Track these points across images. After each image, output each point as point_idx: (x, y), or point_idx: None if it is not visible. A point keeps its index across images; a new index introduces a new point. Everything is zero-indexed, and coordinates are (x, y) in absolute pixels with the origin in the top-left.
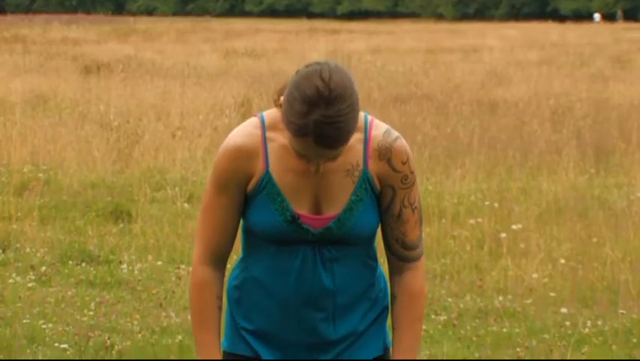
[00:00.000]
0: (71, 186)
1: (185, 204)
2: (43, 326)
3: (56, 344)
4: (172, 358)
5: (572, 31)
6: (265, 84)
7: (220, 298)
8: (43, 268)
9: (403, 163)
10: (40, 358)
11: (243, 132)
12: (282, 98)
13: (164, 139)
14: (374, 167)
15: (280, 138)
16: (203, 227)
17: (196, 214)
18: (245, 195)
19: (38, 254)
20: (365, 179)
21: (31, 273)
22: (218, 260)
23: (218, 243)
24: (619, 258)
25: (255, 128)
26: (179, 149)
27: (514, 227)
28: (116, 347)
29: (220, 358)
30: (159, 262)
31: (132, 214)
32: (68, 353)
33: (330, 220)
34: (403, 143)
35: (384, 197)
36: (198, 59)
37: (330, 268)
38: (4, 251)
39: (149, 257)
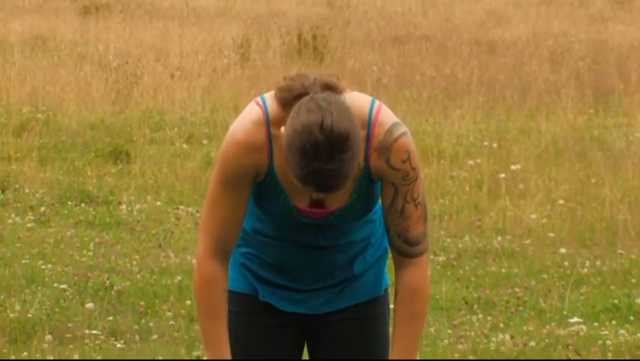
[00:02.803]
0: (70, 126)
1: (184, 145)
2: (43, 267)
3: (55, 285)
4: (171, 298)
5: None
6: (264, 25)
7: (226, 291)
8: (43, 209)
9: (403, 162)
10: (39, 298)
11: (249, 129)
12: (284, 120)
13: (163, 80)
14: (374, 164)
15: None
16: (209, 221)
17: (195, 155)
18: (252, 185)
19: (37, 195)
20: (365, 176)
21: (30, 213)
22: (224, 253)
23: (225, 237)
24: (618, 198)
25: (259, 125)
26: (178, 89)
27: (512, 168)
28: (115, 287)
29: (228, 349)
30: (158, 203)
31: (131, 155)
32: (67, 293)
33: (331, 214)
34: (405, 141)
35: (386, 193)
36: None
37: (331, 236)
38: (3, 192)
39: (148, 198)
